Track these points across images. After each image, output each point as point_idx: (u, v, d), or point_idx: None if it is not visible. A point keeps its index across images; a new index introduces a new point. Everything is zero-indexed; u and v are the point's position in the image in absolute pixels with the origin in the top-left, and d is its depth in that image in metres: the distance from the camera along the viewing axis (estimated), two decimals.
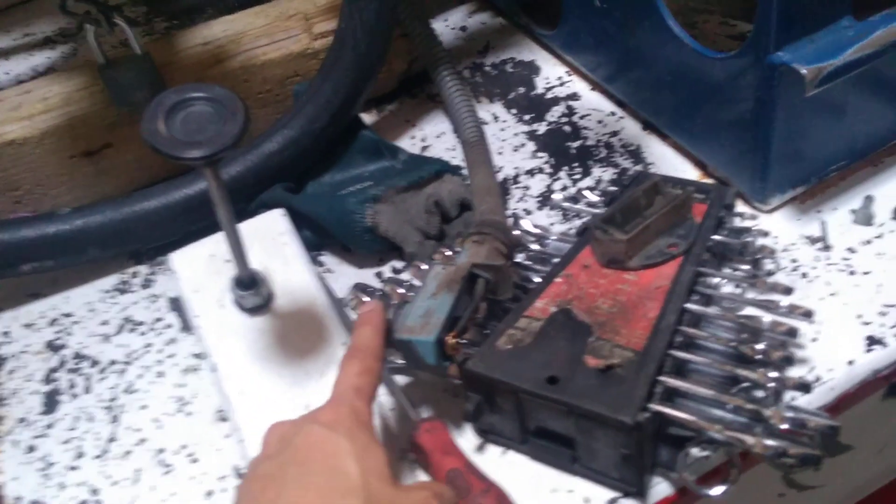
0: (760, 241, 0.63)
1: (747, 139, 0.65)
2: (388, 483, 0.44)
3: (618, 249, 0.59)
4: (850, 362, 0.58)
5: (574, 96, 0.85)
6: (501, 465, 0.56)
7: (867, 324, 0.60)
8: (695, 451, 0.52)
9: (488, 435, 0.57)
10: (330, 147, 0.75)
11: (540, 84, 0.87)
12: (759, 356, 0.53)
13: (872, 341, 0.59)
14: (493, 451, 0.57)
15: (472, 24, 0.96)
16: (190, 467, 0.60)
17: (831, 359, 0.58)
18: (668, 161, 0.75)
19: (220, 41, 0.80)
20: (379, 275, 0.70)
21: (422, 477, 0.56)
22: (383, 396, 0.60)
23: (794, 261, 0.65)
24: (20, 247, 0.68)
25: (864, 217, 0.67)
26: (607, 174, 0.75)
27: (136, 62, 0.76)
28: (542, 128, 0.82)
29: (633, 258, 0.59)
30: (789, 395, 0.55)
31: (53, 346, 0.70)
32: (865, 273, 0.63)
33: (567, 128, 0.81)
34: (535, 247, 0.66)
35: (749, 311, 0.58)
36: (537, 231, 0.67)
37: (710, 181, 0.72)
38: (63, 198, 0.78)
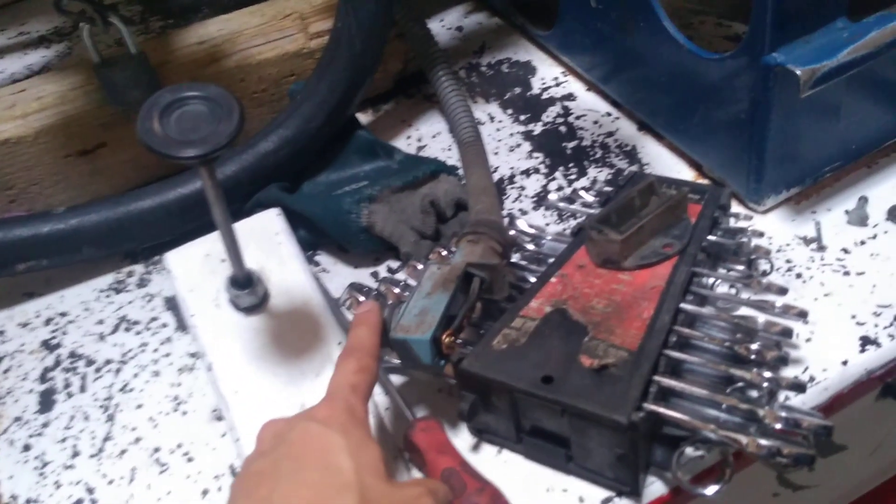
0: (755, 242, 0.64)
1: (742, 140, 0.65)
2: (383, 479, 0.44)
3: (613, 249, 0.59)
4: (844, 362, 0.58)
5: (570, 97, 0.85)
6: (496, 464, 0.56)
7: (861, 324, 0.60)
8: (689, 451, 0.52)
9: (483, 434, 0.57)
10: (326, 147, 0.75)
11: (536, 84, 0.87)
12: (754, 356, 0.53)
13: (866, 341, 0.59)
14: (488, 450, 0.57)
15: (468, 25, 0.96)
16: (185, 466, 0.60)
17: (825, 359, 0.58)
18: (664, 161, 0.76)
19: (215, 40, 0.80)
20: (374, 274, 0.70)
21: (417, 476, 0.56)
22: (379, 396, 0.60)
23: (788, 261, 0.65)
24: (15, 246, 0.68)
25: (859, 218, 0.67)
26: (603, 174, 0.76)
27: (132, 61, 0.76)
28: (537, 128, 0.82)
29: (627, 258, 0.59)
30: (783, 395, 0.55)
31: (49, 346, 0.70)
32: (859, 273, 0.63)
33: (563, 128, 0.81)
34: (530, 247, 0.66)
35: (744, 311, 0.58)
36: (533, 231, 0.67)
37: (705, 182, 0.72)
38: (58, 197, 0.78)
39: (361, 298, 0.63)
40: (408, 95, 0.88)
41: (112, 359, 0.68)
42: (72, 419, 0.64)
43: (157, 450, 0.61)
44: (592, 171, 0.76)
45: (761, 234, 0.66)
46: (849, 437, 0.68)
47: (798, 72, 0.58)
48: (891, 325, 0.60)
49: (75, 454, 0.62)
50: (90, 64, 0.76)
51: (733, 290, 0.61)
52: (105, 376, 0.67)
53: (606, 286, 0.58)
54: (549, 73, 0.88)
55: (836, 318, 0.61)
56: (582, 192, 0.70)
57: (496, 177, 0.77)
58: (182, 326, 0.69)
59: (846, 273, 0.64)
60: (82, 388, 0.66)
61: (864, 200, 0.67)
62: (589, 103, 0.84)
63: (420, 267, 0.64)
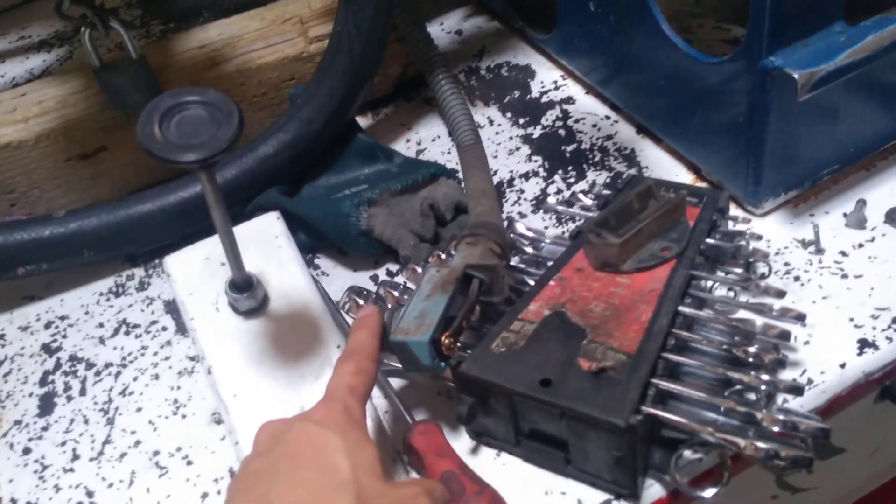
0: (753, 245, 0.64)
1: (740, 143, 0.65)
2: (379, 479, 0.44)
3: (611, 253, 0.59)
4: (842, 365, 0.58)
5: (569, 100, 0.85)
6: (495, 467, 0.56)
7: (859, 327, 0.60)
8: (687, 454, 0.52)
9: (482, 437, 0.57)
10: (325, 150, 0.75)
11: (535, 88, 0.87)
12: (752, 359, 0.53)
13: (864, 344, 0.59)
14: (487, 453, 0.57)
15: (467, 28, 0.97)
16: (185, 469, 0.60)
17: (823, 362, 0.58)
18: (662, 165, 0.76)
19: (215, 45, 0.80)
20: (374, 278, 0.71)
21: (415, 478, 0.56)
22: (378, 399, 0.60)
23: (786, 264, 0.65)
24: (15, 250, 0.69)
25: (857, 221, 0.67)
26: (601, 178, 0.76)
27: (132, 65, 0.76)
28: (536, 131, 0.82)
29: (626, 261, 0.59)
30: (781, 398, 0.56)
31: (49, 349, 0.70)
32: (857, 276, 0.64)
33: (562, 131, 0.82)
34: (529, 250, 0.66)
35: (742, 314, 0.58)
36: (531, 234, 0.67)
37: (703, 185, 0.73)
38: (58, 200, 0.79)
39: (361, 302, 0.63)
40: (407, 99, 0.89)
41: (112, 362, 0.68)
42: (71, 422, 0.64)
43: (156, 453, 0.61)
44: (591, 175, 0.76)
45: (759, 237, 0.66)
46: (847, 439, 0.69)
47: (796, 75, 0.58)
48: (889, 327, 0.60)
49: (75, 457, 0.62)
50: (91, 68, 0.76)
51: (731, 293, 0.61)
52: (105, 379, 0.67)
53: (605, 289, 0.58)
54: (548, 77, 0.88)
55: (833, 320, 0.61)
56: (581, 196, 0.71)
57: (495, 180, 0.77)
58: (182, 330, 0.69)
59: (844, 276, 0.64)
60: (82, 392, 0.66)
61: (862, 203, 0.68)
62: (588, 107, 0.84)
63: (419, 270, 0.65)
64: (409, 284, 0.65)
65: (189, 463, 0.60)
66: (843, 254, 0.65)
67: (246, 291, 0.59)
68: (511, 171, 0.78)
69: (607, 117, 0.82)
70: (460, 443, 0.57)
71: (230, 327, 0.60)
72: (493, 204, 0.69)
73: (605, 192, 0.71)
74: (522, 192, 0.76)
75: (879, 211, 0.68)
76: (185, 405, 0.64)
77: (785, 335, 0.55)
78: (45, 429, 0.64)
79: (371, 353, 0.53)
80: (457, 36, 0.96)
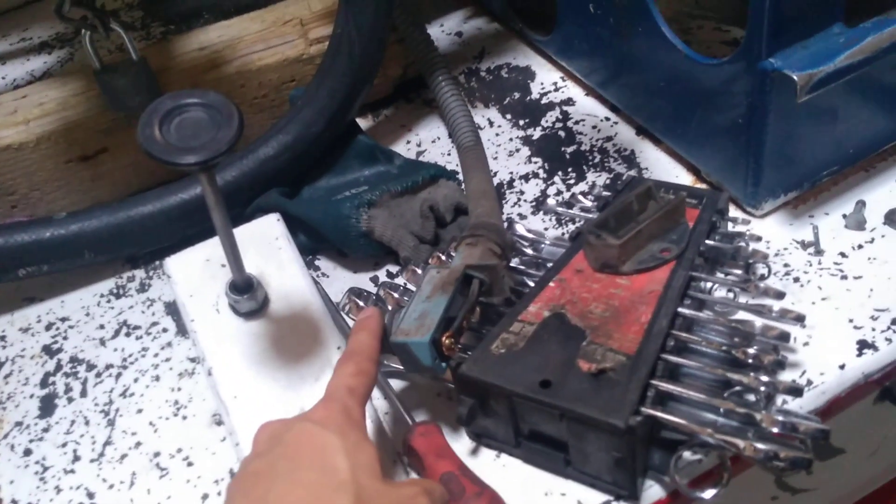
0: (753, 246, 0.64)
1: (740, 144, 0.66)
2: (378, 479, 0.44)
3: (611, 254, 0.59)
4: (842, 366, 0.58)
5: (569, 101, 0.85)
6: (495, 468, 0.56)
7: (858, 328, 0.60)
8: (687, 455, 0.52)
9: (482, 438, 0.57)
10: (326, 152, 0.76)
11: (535, 89, 0.87)
12: (751, 360, 0.53)
13: (864, 345, 0.59)
14: (487, 454, 0.57)
15: (467, 30, 0.97)
16: (185, 471, 0.60)
17: (823, 363, 0.58)
18: (662, 166, 0.76)
19: (216, 46, 0.80)
20: (374, 279, 0.71)
21: (415, 478, 0.56)
22: (378, 400, 0.61)
23: (786, 265, 0.65)
24: (16, 251, 0.69)
25: (856, 222, 0.67)
26: (601, 179, 0.76)
27: (133, 67, 0.76)
28: (536, 133, 0.82)
29: (625, 263, 0.59)
30: (781, 399, 0.56)
31: (50, 350, 0.70)
32: (857, 278, 0.64)
33: (562, 133, 0.82)
34: (528, 251, 0.66)
35: (741, 315, 0.58)
36: (531, 236, 0.67)
37: (703, 186, 0.73)
38: (59, 202, 0.79)
39: (361, 303, 0.63)
40: (408, 100, 0.89)
41: (112, 363, 0.68)
42: (72, 424, 0.64)
43: (157, 454, 0.61)
44: (591, 176, 0.76)
45: (759, 239, 0.66)
46: (847, 440, 0.69)
47: (795, 77, 0.58)
48: (888, 328, 0.60)
49: (76, 459, 0.62)
50: (91, 70, 0.76)
51: (731, 295, 0.61)
52: (105, 381, 0.67)
53: (604, 290, 0.58)
54: (548, 78, 0.88)
55: (833, 322, 0.61)
56: (580, 197, 0.71)
57: (495, 181, 0.77)
58: (182, 331, 0.69)
59: (844, 277, 0.64)
60: (83, 393, 0.66)
61: (861, 204, 0.68)
62: (588, 108, 0.84)
63: (419, 271, 0.65)
64: (409, 286, 0.65)
65: (189, 464, 0.60)
66: (843, 255, 0.65)
67: (246, 293, 0.59)
68: (511, 173, 0.79)
69: (607, 119, 0.82)
70: (460, 444, 0.57)
71: (230, 329, 0.60)
72: (493, 205, 0.69)
73: (605, 193, 0.71)
74: (522, 193, 0.76)
75: (879, 212, 0.68)
76: (185, 406, 0.64)
77: (784, 336, 0.55)
78: (45, 430, 0.64)
79: (371, 355, 0.53)
80: (457, 37, 0.96)
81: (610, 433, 0.49)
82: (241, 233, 0.63)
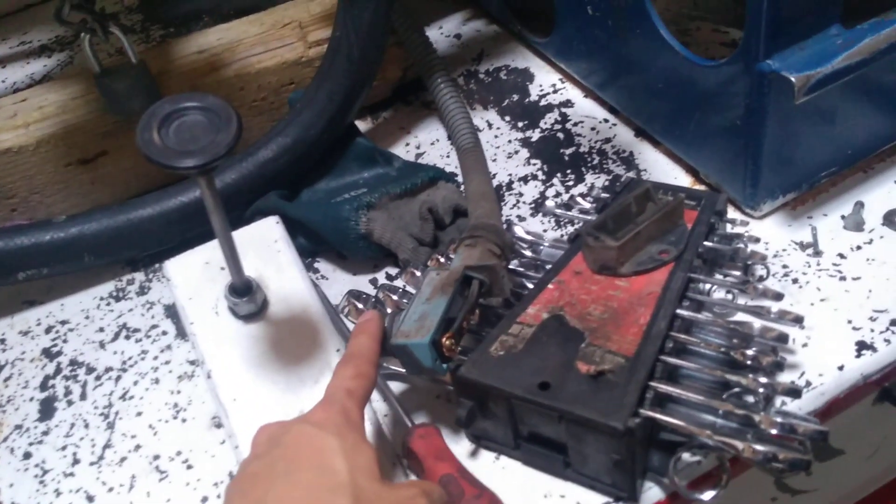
0: (751, 247, 0.64)
1: (738, 146, 0.66)
2: (377, 481, 0.44)
3: (609, 256, 0.59)
4: (841, 367, 0.58)
5: (567, 103, 0.85)
6: (494, 470, 0.56)
7: (857, 329, 0.60)
8: (686, 456, 0.52)
9: (481, 440, 0.57)
10: (325, 154, 0.76)
11: (534, 91, 0.87)
12: (750, 362, 0.53)
13: (862, 346, 0.59)
14: (486, 456, 0.57)
15: (466, 32, 0.97)
16: (185, 474, 0.60)
17: (821, 364, 0.58)
18: (661, 168, 0.76)
19: (215, 49, 0.81)
20: (373, 281, 0.71)
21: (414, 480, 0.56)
22: (377, 402, 0.61)
23: (784, 266, 0.65)
24: (16, 255, 0.69)
25: (855, 223, 0.67)
26: (600, 181, 0.76)
27: (132, 70, 0.76)
28: (535, 135, 0.82)
29: (624, 264, 0.60)
30: (779, 401, 0.56)
31: (49, 354, 0.70)
32: (856, 279, 0.64)
33: (560, 135, 0.82)
34: (528, 253, 0.66)
35: (740, 316, 0.59)
36: (530, 238, 0.67)
37: (701, 188, 0.73)
38: (58, 206, 0.79)
39: (360, 305, 0.63)
40: (406, 103, 0.89)
41: (112, 366, 0.68)
42: (72, 427, 0.64)
43: (156, 457, 0.61)
44: (590, 178, 0.77)
45: (757, 240, 0.66)
46: (846, 441, 0.69)
47: (793, 78, 0.58)
48: (887, 329, 0.60)
49: (75, 462, 0.62)
50: (91, 73, 0.76)
51: (730, 296, 0.61)
52: (105, 384, 0.67)
53: (603, 292, 0.58)
54: (546, 80, 0.88)
55: (832, 323, 0.61)
56: (579, 199, 0.71)
57: (494, 183, 0.77)
58: (182, 334, 0.69)
59: (842, 278, 0.64)
60: (82, 396, 0.66)
61: (860, 205, 0.68)
62: (586, 110, 0.84)
63: (418, 274, 0.65)
64: (409, 288, 0.65)
65: (189, 467, 0.60)
66: (842, 256, 0.65)
67: (245, 295, 0.59)
68: (510, 175, 0.79)
69: (606, 120, 0.82)
70: (459, 446, 0.58)
71: (230, 331, 0.60)
72: (492, 206, 0.69)
73: (604, 195, 0.71)
74: (521, 195, 0.76)
75: (877, 213, 0.68)
76: (185, 409, 0.64)
77: (783, 337, 0.55)
78: (45, 433, 0.64)
79: (371, 358, 0.53)
80: (456, 39, 0.96)
81: (609, 435, 0.49)
82: (241, 235, 0.63)
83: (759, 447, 0.48)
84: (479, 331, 0.59)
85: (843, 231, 0.67)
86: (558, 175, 0.78)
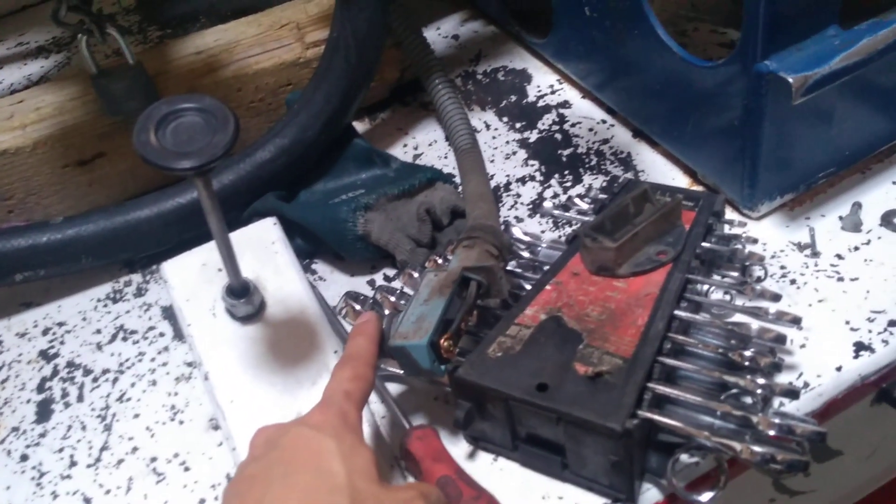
0: (749, 248, 0.64)
1: (736, 147, 0.66)
2: (375, 483, 0.44)
3: (607, 257, 0.59)
4: (839, 368, 0.58)
5: (565, 104, 0.85)
6: (492, 471, 0.56)
7: (855, 330, 0.60)
8: (684, 458, 0.52)
9: (479, 442, 0.57)
10: (322, 155, 0.76)
11: (531, 92, 0.87)
12: (748, 363, 0.53)
13: (860, 347, 0.59)
14: (484, 458, 0.57)
15: (464, 33, 0.97)
16: (182, 476, 0.60)
17: (819, 365, 0.58)
18: (659, 168, 0.76)
19: (212, 50, 0.80)
20: (371, 282, 0.71)
21: (412, 482, 0.56)
22: (375, 404, 0.61)
23: (782, 267, 0.65)
24: (13, 256, 0.69)
25: (852, 224, 0.67)
26: (598, 182, 0.76)
27: (129, 72, 0.76)
28: (533, 136, 0.82)
29: (622, 266, 0.59)
30: (777, 402, 0.56)
31: (46, 355, 0.70)
32: (853, 279, 0.64)
33: (558, 136, 0.82)
34: (525, 254, 0.66)
35: (738, 317, 0.59)
36: (528, 239, 0.67)
37: (699, 189, 0.73)
38: (55, 207, 0.79)
39: (357, 307, 0.63)
40: (404, 104, 0.89)
41: (109, 368, 0.68)
42: (69, 429, 0.64)
43: (153, 459, 0.61)
44: (588, 179, 0.77)
45: (755, 241, 0.66)
46: (844, 442, 0.69)
47: (790, 79, 0.58)
48: (885, 330, 0.60)
49: (72, 464, 0.62)
50: (88, 74, 0.76)
51: (727, 297, 0.61)
52: (102, 386, 0.67)
53: (601, 293, 0.58)
54: (544, 81, 0.88)
55: (830, 323, 0.61)
56: (577, 200, 0.71)
57: (492, 184, 0.77)
58: (179, 336, 0.69)
59: (840, 279, 0.64)
60: (80, 398, 0.66)
61: (857, 206, 0.68)
62: (584, 111, 0.84)
63: (416, 275, 0.65)
64: (406, 289, 0.65)
65: (186, 469, 0.60)
66: (839, 257, 0.65)
67: (243, 297, 0.59)
68: (508, 176, 0.79)
69: (603, 121, 0.82)
70: (457, 448, 0.57)
71: (227, 333, 0.60)
72: (490, 207, 0.69)
73: (602, 196, 0.71)
74: (519, 196, 0.76)
75: (875, 214, 0.68)
76: (182, 411, 0.64)
77: (781, 338, 0.55)
78: (42, 435, 0.64)
79: (369, 360, 0.53)
80: (453, 40, 0.96)
81: (607, 436, 0.49)
82: (238, 237, 0.63)
83: (757, 448, 0.48)
84: (477, 332, 0.59)
85: (840, 232, 0.67)
86: (556, 176, 0.78)
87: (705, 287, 0.61)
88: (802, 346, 0.60)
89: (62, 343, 0.71)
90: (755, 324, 0.56)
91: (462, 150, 0.77)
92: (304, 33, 0.82)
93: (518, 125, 0.84)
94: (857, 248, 0.66)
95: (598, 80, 0.82)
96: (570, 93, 0.86)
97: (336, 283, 0.71)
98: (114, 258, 0.73)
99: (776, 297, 0.59)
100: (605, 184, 0.76)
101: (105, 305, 0.73)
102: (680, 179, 0.74)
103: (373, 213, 0.70)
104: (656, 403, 0.52)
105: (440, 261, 0.65)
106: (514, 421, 0.54)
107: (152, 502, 0.59)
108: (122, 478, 0.60)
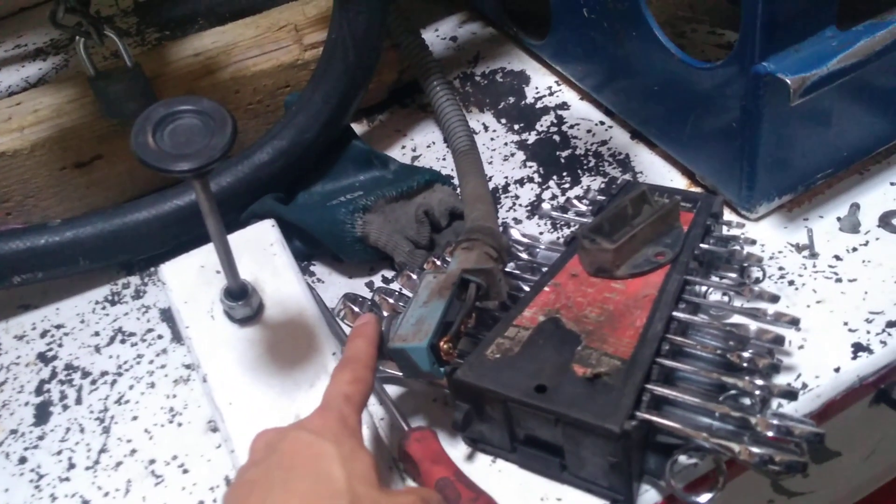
0: (747, 250, 0.64)
1: (734, 148, 0.66)
2: (375, 487, 0.44)
3: (605, 258, 0.59)
4: (837, 369, 0.58)
5: (563, 106, 0.85)
6: (491, 473, 0.56)
7: (853, 331, 0.60)
8: (683, 459, 0.52)
9: (477, 444, 0.57)
10: (321, 157, 0.76)
11: (530, 94, 0.87)
12: (746, 364, 0.53)
13: (859, 348, 0.59)
14: (483, 459, 0.57)
15: (462, 35, 0.97)
16: (181, 478, 0.60)
17: (818, 366, 0.58)
18: (657, 170, 0.76)
19: (210, 52, 0.80)
20: (369, 284, 0.71)
21: (411, 486, 0.56)
22: (374, 406, 0.60)
23: (780, 268, 0.65)
24: (11, 259, 0.69)
25: (850, 225, 0.67)
26: (596, 183, 0.76)
27: (127, 74, 0.76)
28: (531, 137, 0.82)
29: (620, 267, 0.59)
30: (776, 403, 0.56)
31: (45, 358, 0.70)
32: (851, 280, 0.64)
33: (556, 137, 0.82)
34: (524, 256, 0.66)
35: (736, 319, 0.59)
36: (526, 240, 0.67)
37: (697, 190, 0.73)
38: (54, 209, 0.79)
39: (356, 309, 0.63)
40: (402, 105, 0.89)
41: (108, 371, 0.68)
42: (67, 431, 0.64)
43: (152, 461, 0.61)
44: (586, 180, 0.77)
45: (753, 242, 0.66)
46: (842, 443, 0.69)
47: (788, 80, 0.58)
48: (883, 331, 0.60)
49: (71, 466, 0.62)
50: (86, 76, 0.76)
51: (726, 298, 0.61)
52: (101, 388, 0.67)
53: (599, 295, 0.58)
54: (542, 83, 0.88)
55: (828, 325, 0.61)
56: (575, 201, 0.71)
57: (490, 186, 0.77)
58: (177, 338, 0.69)
59: (838, 280, 0.64)
60: (78, 401, 0.66)
61: (855, 207, 0.68)
62: (582, 112, 0.84)
63: (414, 276, 0.65)
64: (405, 291, 0.65)
65: (185, 471, 0.60)
66: (837, 258, 0.66)
67: (241, 299, 0.59)
68: (506, 177, 0.79)
69: (602, 123, 0.82)
70: (456, 450, 0.57)
71: (225, 335, 0.60)
72: (488, 209, 0.69)
73: (600, 197, 0.71)
74: (517, 197, 0.76)
75: (873, 215, 0.68)
76: (180, 413, 0.64)
77: (779, 340, 0.55)
78: (40, 438, 0.64)
79: (368, 362, 0.53)
80: (451, 42, 0.96)
81: (605, 438, 0.49)
82: (236, 239, 0.63)
83: (755, 449, 0.48)
84: (476, 334, 0.59)
85: (838, 233, 0.67)
86: (554, 177, 0.78)
87: (703, 288, 0.61)
88: (801, 347, 0.60)
89: (60, 345, 0.71)
90: (753, 325, 0.56)
91: (460, 151, 0.77)
92: (302, 35, 0.82)
93: (516, 127, 0.84)
94: (855, 249, 0.66)
95: (596, 82, 0.82)
96: (568, 94, 0.86)
97: (334, 285, 0.71)
98: (112, 260, 0.73)
99: (774, 299, 0.59)
100: (603, 185, 0.76)
101: (103, 308, 0.73)
102: (678, 181, 0.74)
103: (371, 214, 0.70)
104: (655, 405, 0.52)
105: (439, 262, 0.65)
106: (513, 422, 0.54)
107: None
108: (121, 480, 0.60)
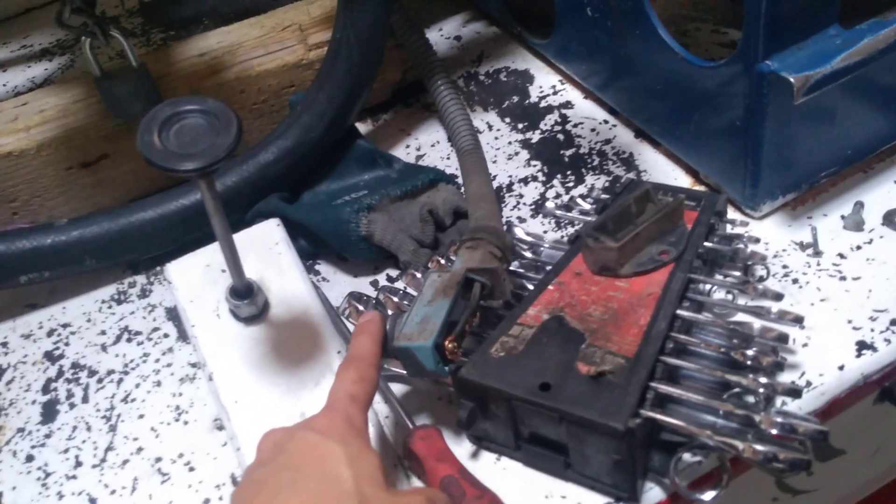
0: (751, 248, 0.64)
1: (738, 147, 0.66)
2: (381, 488, 0.44)
3: (609, 257, 0.59)
4: (841, 367, 0.58)
5: (567, 105, 0.85)
6: (495, 471, 0.56)
7: (857, 329, 0.60)
8: (687, 457, 0.52)
9: (482, 442, 0.58)
10: (325, 157, 0.76)
11: (534, 93, 0.87)
12: (750, 362, 0.53)
13: (863, 346, 0.59)
14: (487, 457, 0.57)
15: (466, 34, 0.97)
16: (187, 476, 0.60)
17: (822, 364, 0.58)
18: (661, 168, 0.76)
19: (215, 52, 0.81)
20: (374, 283, 0.71)
21: (416, 484, 0.56)
22: (378, 404, 0.61)
23: (784, 267, 0.66)
24: (17, 258, 0.69)
25: (855, 223, 0.67)
26: (600, 182, 0.76)
27: (133, 74, 0.76)
28: (535, 136, 0.83)
29: (624, 265, 0.60)
30: (780, 401, 0.56)
31: (51, 357, 0.70)
32: (856, 278, 0.64)
33: (560, 136, 0.82)
34: (528, 255, 0.66)
35: (740, 317, 0.59)
36: (530, 239, 0.67)
37: (701, 188, 0.73)
38: (60, 209, 0.79)
39: (361, 307, 0.64)
40: (406, 105, 0.89)
41: (114, 369, 0.68)
42: (74, 429, 0.64)
43: (158, 459, 0.61)
44: (590, 179, 0.77)
45: (757, 240, 0.66)
46: (847, 441, 0.69)
47: (791, 79, 0.58)
48: (887, 329, 0.60)
49: (78, 464, 0.62)
50: (92, 76, 0.77)
51: (730, 296, 0.61)
52: (107, 387, 0.67)
53: (603, 293, 0.58)
54: (546, 82, 0.88)
55: (832, 323, 0.61)
56: (579, 200, 0.71)
57: (494, 185, 0.78)
58: (183, 337, 0.70)
59: (842, 278, 0.64)
60: (85, 399, 0.66)
61: (859, 205, 0.68)
62: (586, 111, 0.84)
63: (419, 275, 0.65)
64: (409, 290, 0.65)
65: (191, 469, 0.60)
66: (842, 256, 0.66)
67: (246, 298, 0.60)
68: (510, 176, 0.79)
69: (605, 121, 0.82)
70: (461, 447, 0.58)
71: (231, 334, 0.61)
72: (493, 208, 0.69)
73: (604, 196, 0.71)
74: (521, 196, 0.77)
75: (877, 213, 0.68)
76: (186, 412, 0.64)
77: (783, 338, 0.55)
78: (47, 436, 0.64)
79: (372, 360, 0.53)
80: (455, 41, 0.96)
81: (609, 436, 0.49)
82: (242, 238, 0.63)
83: (759, 447, 0.48)
84: (480, 332, 0.59)
85: (842, 231, 0.67)
86: (558, 176, 0.78)
87: (707, 286, 0.61)
88: (805, 345, 0.60)
89: (67, 344, 0.71)
90: (757, 323, 0.56)
91: (464, 150, 0.77)
92: (306, 35, 0.83)
93: (520, 126, 0.84)
94: (859, 248, 0.66)
95: (600, 81, 0.82)
96: (572, 93, 0.86)
97: (339, 284, 0.72)
98: (118, 260, 0.73)
99: (778, 297, 0.59)
100: (607, 184, 0.76)
101: (109, 307, 0.74)
102: (682, 179, 0.74)
103: (376, 213, 0.70)
104: (659, 403, 0.52)
105: (443, 261, 0.65)
106: (517, 420, 0.54)
107: (157, 502, 0.59)
108: (128, 478, 0.61)
